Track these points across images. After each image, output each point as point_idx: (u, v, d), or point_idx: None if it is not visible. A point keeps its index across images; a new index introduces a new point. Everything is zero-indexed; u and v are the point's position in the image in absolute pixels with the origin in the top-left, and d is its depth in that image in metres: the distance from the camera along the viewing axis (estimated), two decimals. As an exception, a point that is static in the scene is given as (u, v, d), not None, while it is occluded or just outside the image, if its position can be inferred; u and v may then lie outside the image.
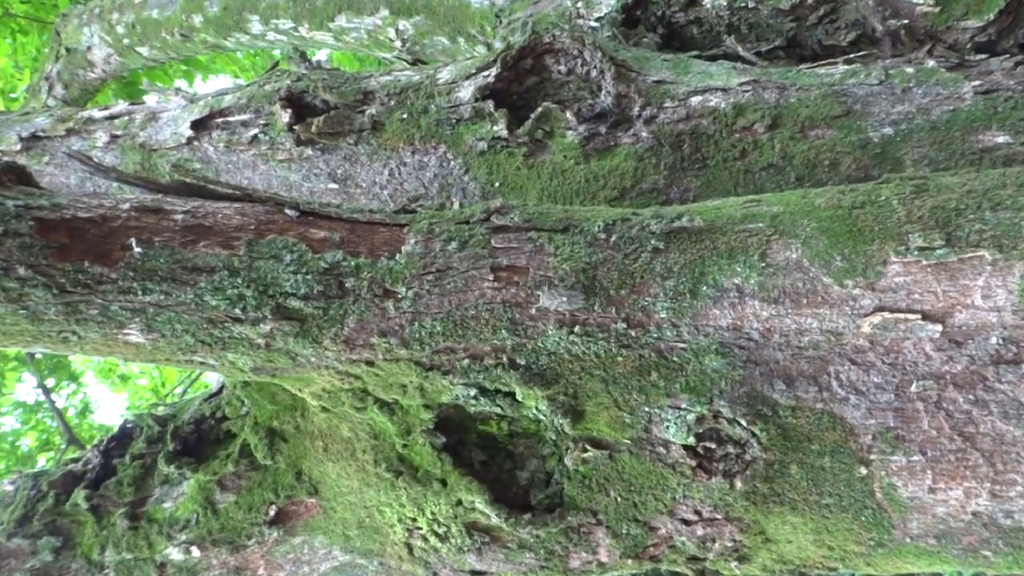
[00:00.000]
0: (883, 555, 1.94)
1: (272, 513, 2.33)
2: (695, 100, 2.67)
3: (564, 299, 1.92)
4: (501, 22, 3.61)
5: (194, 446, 2.49)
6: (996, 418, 1.78)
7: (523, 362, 1.97)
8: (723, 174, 2.61)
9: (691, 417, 1.94)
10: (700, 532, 1.99)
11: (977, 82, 2.52)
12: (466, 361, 1.99)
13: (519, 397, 2.00)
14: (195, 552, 2.27)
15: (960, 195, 1.87)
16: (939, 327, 1.78)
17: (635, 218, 2.02)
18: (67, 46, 5.75)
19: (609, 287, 1.93)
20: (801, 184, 2.54)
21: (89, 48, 5.73)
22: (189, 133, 3.08)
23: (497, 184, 2.76)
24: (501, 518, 2.05)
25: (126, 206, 1.92)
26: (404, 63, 4.31)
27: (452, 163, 2.81)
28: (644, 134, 2.65)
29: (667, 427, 1.96)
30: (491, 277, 1.95)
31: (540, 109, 2.70)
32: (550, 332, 1.94)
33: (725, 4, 2.90)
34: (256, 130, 2.99)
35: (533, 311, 1.95)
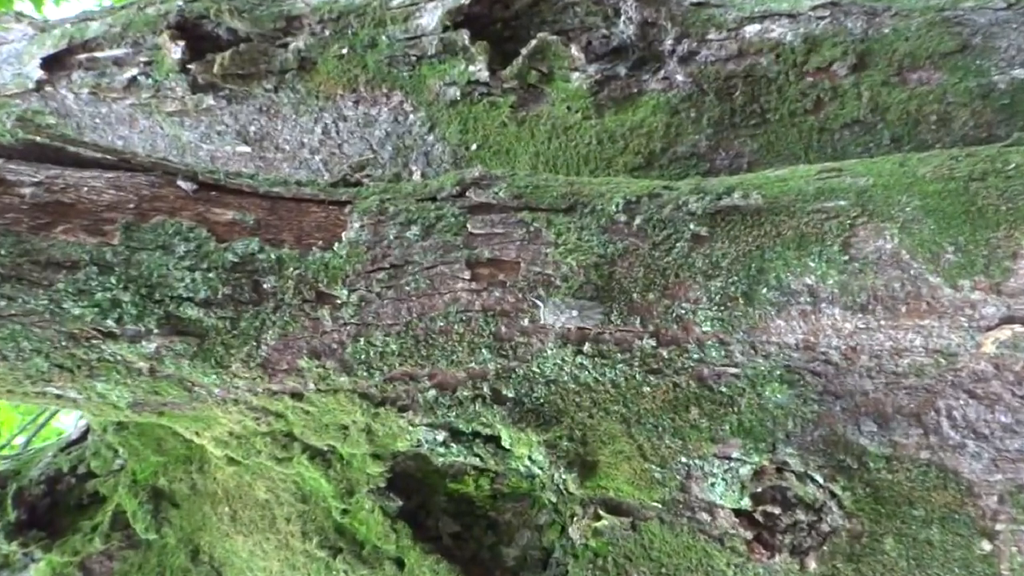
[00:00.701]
0: (1013, 663, 1.87)
1: (157, 609, 2.25)
2: (751, 30, 2.69)
3: (573, 311, 1.93)
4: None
5: (46, 515, 2.47)
6: None
7: (511, 394, 1.98)
8: (789, 133, 2.63)
9: (746, 471, 1.94)
10: (759, 632, 1.92)
11: None
12: (432, 392, 2.00)
13: (506, 443, 2.01)
14: (48, 664, 2.25)
15: (1118, 162, 1.79)
16: (1089, 344, 1.69)
17: (668, 194, 2.03)
18: None
19: (631, 289, 1.95)
20: (898, 147, 2.54)
21: None
22: (39, 75, 3.08)
23: (474, 147, 2.75)
24: (480, 613, 1.99)
25: (-48, 175, 1.82)
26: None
27: (411, 117, 2.82)
28: (679, 77, 2.67)
29: (712, 485, 1.97)
30: (467, 275, 1.95)
31: (534, 42, 2.70)
32: (549, 352, 1.95)
33: None
34: (135, 71, 2.99)
35: (525, 323, 1.95)
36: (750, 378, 1.92)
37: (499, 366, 1.94)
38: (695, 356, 1.92)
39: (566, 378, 1.95)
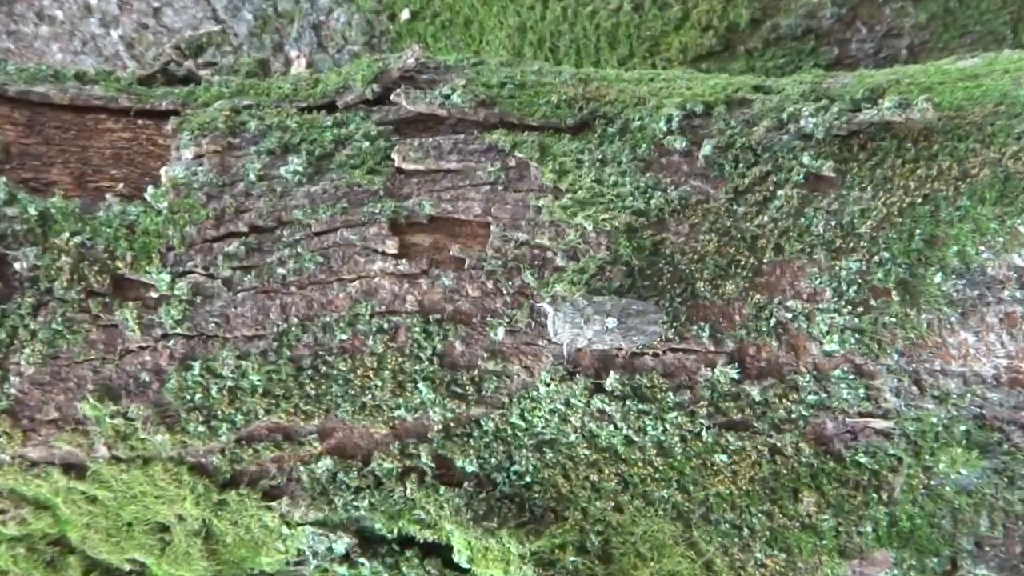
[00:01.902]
0: None
1: None
2: None
3: (608, 319, 1.48)
4: None
5: None
6: None
7: (471, 467, 1.65)
8: (979, -3, 2.69)
9: (901, 608, 1.90)
10: None
11: None
12: (326, 464, 1.63)
13: (461, 558, 1.72)
14: None
15: None
16: None
17: (762, 101, 1.74)
18: None
19: (694, 275, 1.62)
20: None
21: None
22: None
23: (406, 14, 2.46)
24: None
25: None
26: None
27: (289, -37, 2.92)
28: None
29: (842, 634, 1.93)
30: (392, 247, 1.58)
31: None
32: (543, 389, 1.60)
33: None
34: None
35: (499, 335, 1.63)
36: (911, 438, 1.54)
37: (450, 415, 1.56)
38: (811, 398, 1.55)
39: (573, 437, 1.56)
